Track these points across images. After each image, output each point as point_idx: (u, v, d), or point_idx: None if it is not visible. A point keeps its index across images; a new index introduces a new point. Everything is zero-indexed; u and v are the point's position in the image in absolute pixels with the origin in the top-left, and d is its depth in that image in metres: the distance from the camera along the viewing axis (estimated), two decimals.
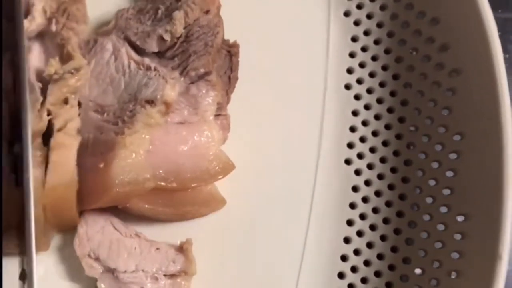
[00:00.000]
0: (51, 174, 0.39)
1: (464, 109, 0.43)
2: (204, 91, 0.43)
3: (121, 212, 0.41)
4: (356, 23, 0.48)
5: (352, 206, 0.44)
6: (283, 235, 0.43)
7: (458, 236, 0.41)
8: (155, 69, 0.43)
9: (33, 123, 0.40)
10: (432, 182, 0.44)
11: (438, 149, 0.44)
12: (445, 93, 0.44)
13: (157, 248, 0.41)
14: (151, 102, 0.41)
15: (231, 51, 0.45)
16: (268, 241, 0.43)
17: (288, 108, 0.46)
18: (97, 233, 0.41)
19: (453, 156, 0.43)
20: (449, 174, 0.43)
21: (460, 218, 0.42)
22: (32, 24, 0.42)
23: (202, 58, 0.43)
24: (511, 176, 0.39)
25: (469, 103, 0.43)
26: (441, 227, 0.42)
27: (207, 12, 0.44)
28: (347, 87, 0.47)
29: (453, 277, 0.40)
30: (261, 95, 0.46)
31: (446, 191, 0.43)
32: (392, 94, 0.46)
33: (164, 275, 0.41)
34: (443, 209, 0.43)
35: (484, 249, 0.39)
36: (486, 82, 0.41)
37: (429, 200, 0.44)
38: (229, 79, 0.44)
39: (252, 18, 0.46)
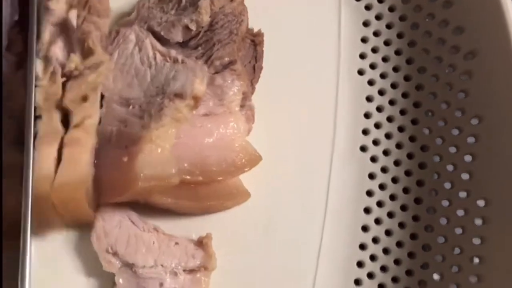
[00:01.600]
0: (61, 171, 0.38)
1: (481, 92, 0.42)
2: (229, 81, 0.41)
3: (139, 205, 0.40)
4: (368, 7, 0.47)
5: (369, 193, 0.44)
6: (300, 225, 0.43)
7: (479, 221, 0.41)
8: (182, 62, 0.41)
9: (46, 86, 0.39)
10: (450, 168, 0.43)
11: (455, 133, 0.43)
12: (461, 77, 0.44)
13: (176, 243, 0.40)
14: (179, 96, 0.39)
15: (255, 40, 0.44)
16: (286, 232, 0.42)
17: (301, 96, 0.45)
18: (115, 227, 0.40)
19: (471, 140, 0.43)
20: (468, 158, 0.42)
21: (480, 203, 0.41)
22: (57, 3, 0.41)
23: (227, 46, 0.41)
24: None
25: (485, 86, 0.42)
26: (460, 212, 0.42)
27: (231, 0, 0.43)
28: (360, 72, 0.46)
29: (476, 262, 0.40)
30: (272, 83, 0.44)
31: (465, 176, 0.42)
32: (406, 78, 0.46)
33: (184, 270, 0.40)
34: (462, 194, 0.42)
35: (507, 234, 0.38)
36: (503, 64, 0.41)
37: (447, 185, 0.43)
38: (254, 69, 0.43)
39: (261, 6, 0.45)
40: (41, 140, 0.39)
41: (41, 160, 0.38)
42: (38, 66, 0.40)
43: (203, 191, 0.41)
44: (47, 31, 0.41)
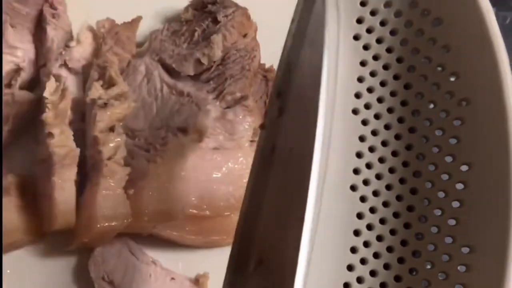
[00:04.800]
0: (104, 203, 0.40)
1: (473, 139, 0.43)
2: (241, 117, 0.43)
3: (139, 234, 0.41)
4: (366, 47, 0.48)
5: (357, 233, 0.45)
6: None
7: (462, 268, 0.42)
8: (188, 95, 0.42)
9: (55, 102, 0.41)
10: (437, 212, 0.44)
11: (445, 178, 0.44)
12: (454, 122, 0.44)
13: (172, 278, 0.41)
14: (183, 130, 0.40)
15: (267, 75, 0.45)
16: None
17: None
18: (113, 256, 0.41)
19: (459, 186, 0.43)
20: (455, 204, 0.43)
21: (464, 250, 0.42)
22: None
23: (239, 82, 0.43)
24: None
25: (477, 134, 0.43)
26: (445, 257, 0.43)
27: (245, 35, 0.44)
28: (355, 112, 0.47)
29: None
30: None
31: (452, 222, 0.43)
32: (400, 120, 0.46)
33: None
34: (448, 240, 0.43)
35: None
36: (494, 113, 0.41)
37: (434, 229, 0.44)
38: (265, 104, 0.44)
39: (267, 46, 0.46)
40: (62, 163, 0.40)
41: (64, 182, 0.40)
42: (48, 84, 0.42)
43: (208, 225, 0.43)
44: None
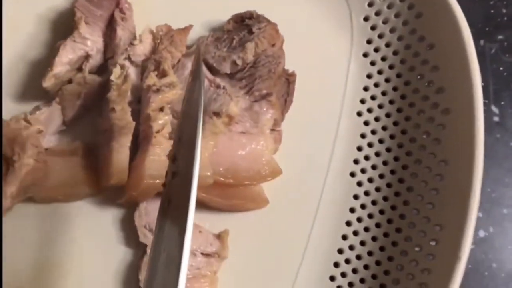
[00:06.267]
0: (149, 164, 0.48)
1: (450, 141, 0.53)
2: (264, 109, 0.52)
3: None
4: (372, 63, 0.58)
5: (352, 210, 0.55)
6: (294, 229, 0.54)
7: (433, 243, 0.51)
8: (223, 88, 0.52)
9: (119, 84, 0.50)
10: (418, 198, 0.54)
11: (426, 172, 0.54)
12: (436, 128, 0.54)
13: (200, 231, 0.50)
14: (217, 114, 0.50)
15: (289, 79, 0.54)
16: (283, 236, 0.54)
17: (310, 127, 0.57)
18: (154, 210, 0.49)
19: (438, 178, 0.53)
20: (433, 192, 0.53)
21: (436, 228, 0.52)
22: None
23: (266, 81, 0.52)
24: (477, 198, 0.49)
25: (453, 137, 0.53)
26: (421, 234, 0.52)
27: (273, 45, 0.53)
28: (359, 114, 0.57)
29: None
30: (289, 117, 0.56)
31: (429, 206, 0.53)
32: (395, 123, 0.57)
33: (201, 253, 0.50)
34: (424, 220, 0.53)
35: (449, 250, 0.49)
36: (466, 120, 0.51)
37: (414, 212, 0.53)
38: (285, 102, 0.54)
39: (291, 55, 0.56)
40: (120, 132, 0.49)
41: (121, 147, 0.49)
42: (115, 70, 0.52)
43: (231, 191, 0.51)
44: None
